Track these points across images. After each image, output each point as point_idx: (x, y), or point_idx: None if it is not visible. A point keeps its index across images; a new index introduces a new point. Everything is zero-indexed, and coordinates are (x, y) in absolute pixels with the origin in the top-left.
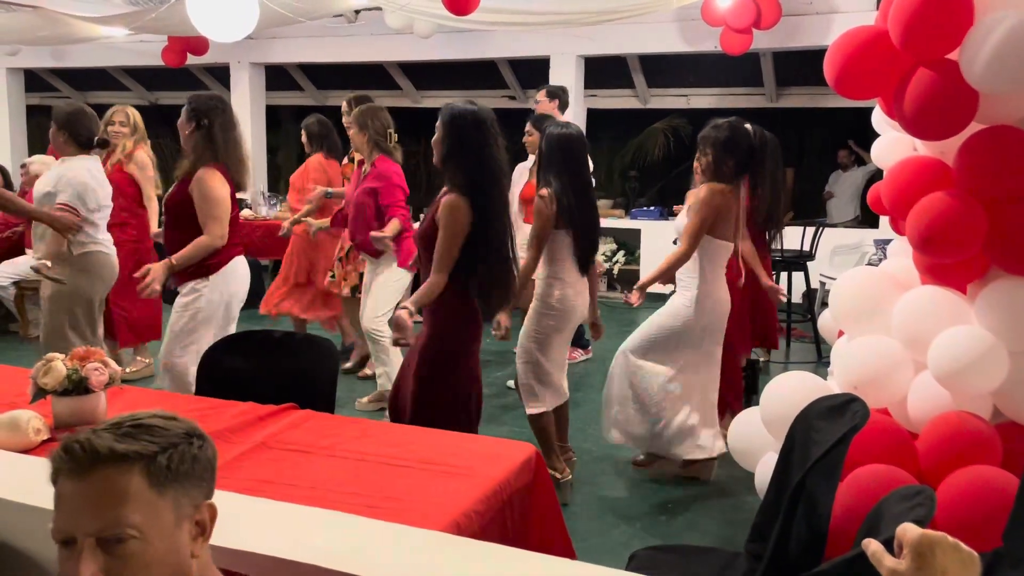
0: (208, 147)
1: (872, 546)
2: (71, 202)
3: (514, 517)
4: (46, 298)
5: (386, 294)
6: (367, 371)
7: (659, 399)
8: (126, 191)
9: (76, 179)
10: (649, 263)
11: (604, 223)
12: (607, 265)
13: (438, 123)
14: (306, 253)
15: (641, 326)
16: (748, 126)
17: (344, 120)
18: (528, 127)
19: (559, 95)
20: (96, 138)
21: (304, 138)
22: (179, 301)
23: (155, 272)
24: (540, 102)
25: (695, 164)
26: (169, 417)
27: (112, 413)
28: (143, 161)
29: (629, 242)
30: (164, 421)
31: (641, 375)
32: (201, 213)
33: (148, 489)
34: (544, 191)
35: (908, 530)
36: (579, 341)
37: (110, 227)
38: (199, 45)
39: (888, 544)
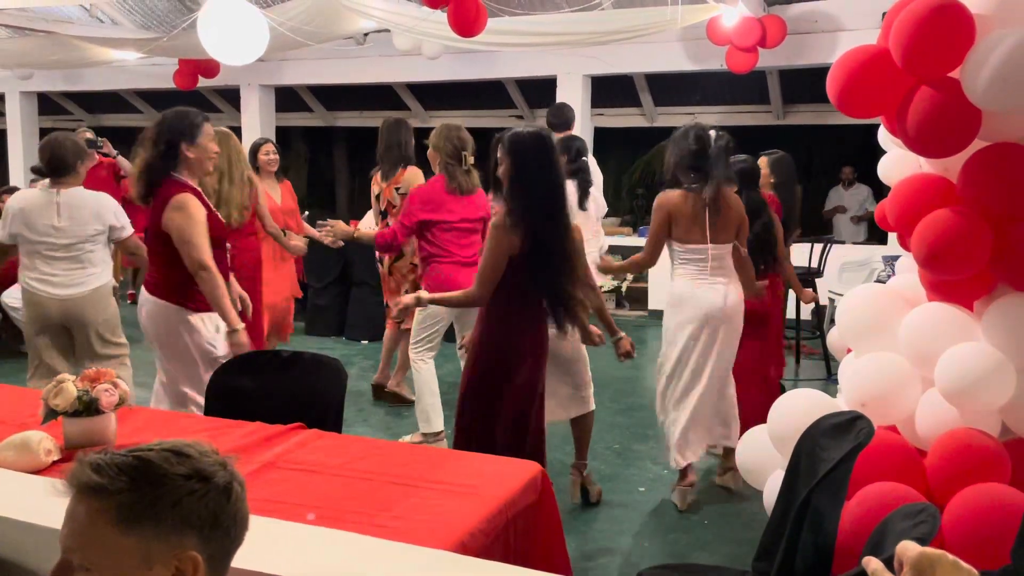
0: None
1: (872, 564)
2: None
3: (518, 536)
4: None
5: (421, 318)
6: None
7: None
8: None
9: None
10: (657, 280)
11: (612, 241)
12: (615, 283)
13: (500, 149)
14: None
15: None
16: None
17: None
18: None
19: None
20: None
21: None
22: None
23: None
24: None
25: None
26: (181, 453)
27: (122, 434)
28: None
29: None
30: (168, 458)
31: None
32: None
33: (112, 525)
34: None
35: (908, 548)
36: None
37: None
38: (210, 68)
39: (889, 562)
